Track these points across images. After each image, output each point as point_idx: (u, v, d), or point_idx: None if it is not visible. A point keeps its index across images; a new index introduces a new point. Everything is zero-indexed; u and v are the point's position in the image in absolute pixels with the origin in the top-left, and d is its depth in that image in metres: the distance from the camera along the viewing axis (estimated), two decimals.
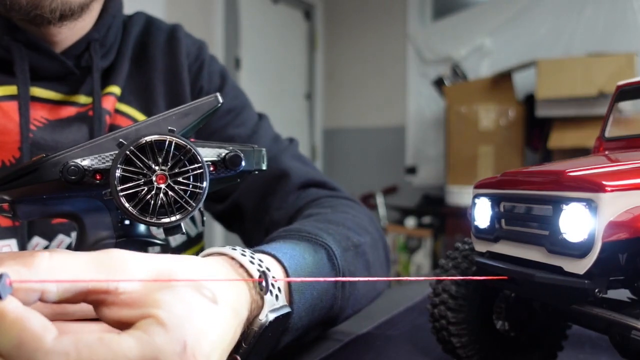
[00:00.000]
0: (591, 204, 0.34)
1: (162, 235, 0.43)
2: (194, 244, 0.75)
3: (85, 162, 0.38)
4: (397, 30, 3.74)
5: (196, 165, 0.38)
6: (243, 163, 0.41)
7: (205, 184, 0.38)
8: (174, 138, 0.37)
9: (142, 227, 0.43)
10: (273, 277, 0.40)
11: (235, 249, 0.41)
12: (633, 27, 2.72)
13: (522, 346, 0.47)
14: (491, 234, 0.42)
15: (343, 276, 0.50)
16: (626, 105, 0.51)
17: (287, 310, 0.41)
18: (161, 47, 0.73)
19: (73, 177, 0.38)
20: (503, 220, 0.42)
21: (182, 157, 0.38)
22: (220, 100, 0.42)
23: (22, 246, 0.59)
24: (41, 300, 0.28)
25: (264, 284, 0.34)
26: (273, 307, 0.39)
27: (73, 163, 0.38)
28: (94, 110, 0.62)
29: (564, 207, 0.35)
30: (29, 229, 0.59)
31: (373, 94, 3.89)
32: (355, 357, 0.55)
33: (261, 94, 3.45)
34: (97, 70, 0.64)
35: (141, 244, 0.43)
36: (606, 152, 0.49)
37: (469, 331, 0.45)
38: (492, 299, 0.46)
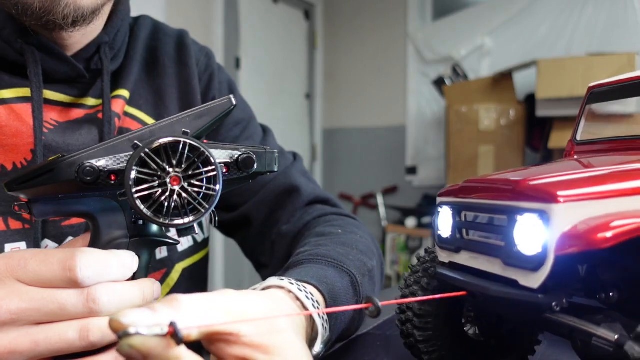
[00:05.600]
0: (544, 215, 0.32)
1: (175, 235, 0.43)
2: (200, 249, 0.76)
3: (101, 163, 0.39)
4: (397, 30, 3.74)
5: (210, 168, 0.38)
6: (256, 165, 0.42)
7: (218, 187, 0.38)
8: (188, 140, 0.38)
9: (155, 227, 0.43)
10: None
11: (292, 283, 0.44)
12: (633, 27, 2.72)
13: (495, 351, 0.46)
14: (453, 244, 0.41)
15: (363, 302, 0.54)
16: (599, 107, 0.51)
17: (330, 338, 0.45)
18: (171, 53, 0.74)
19: (88, 178, 0.38)
20: (464, 230, 0.40)
21: (195, 160, 0.38)
22: (234, 102, 0.42)
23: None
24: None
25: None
26: (324, 338, 0.43)
27: (89, 164, 0.38)
28: (103, 113, 0.62)
29: (518, 217, 0.34)
30: (40, 232, 0.59)
31: (373, 94, 3.89)
32: (355, 357, 0.55)
33: (261, 93, 3.45)
34: (107, 74, 0.64)
35: (153, 244, 0.44)
36: (575, 157, 0.48)
37: (439, 346, 0.44)
38: (461, 307, 0.45)
